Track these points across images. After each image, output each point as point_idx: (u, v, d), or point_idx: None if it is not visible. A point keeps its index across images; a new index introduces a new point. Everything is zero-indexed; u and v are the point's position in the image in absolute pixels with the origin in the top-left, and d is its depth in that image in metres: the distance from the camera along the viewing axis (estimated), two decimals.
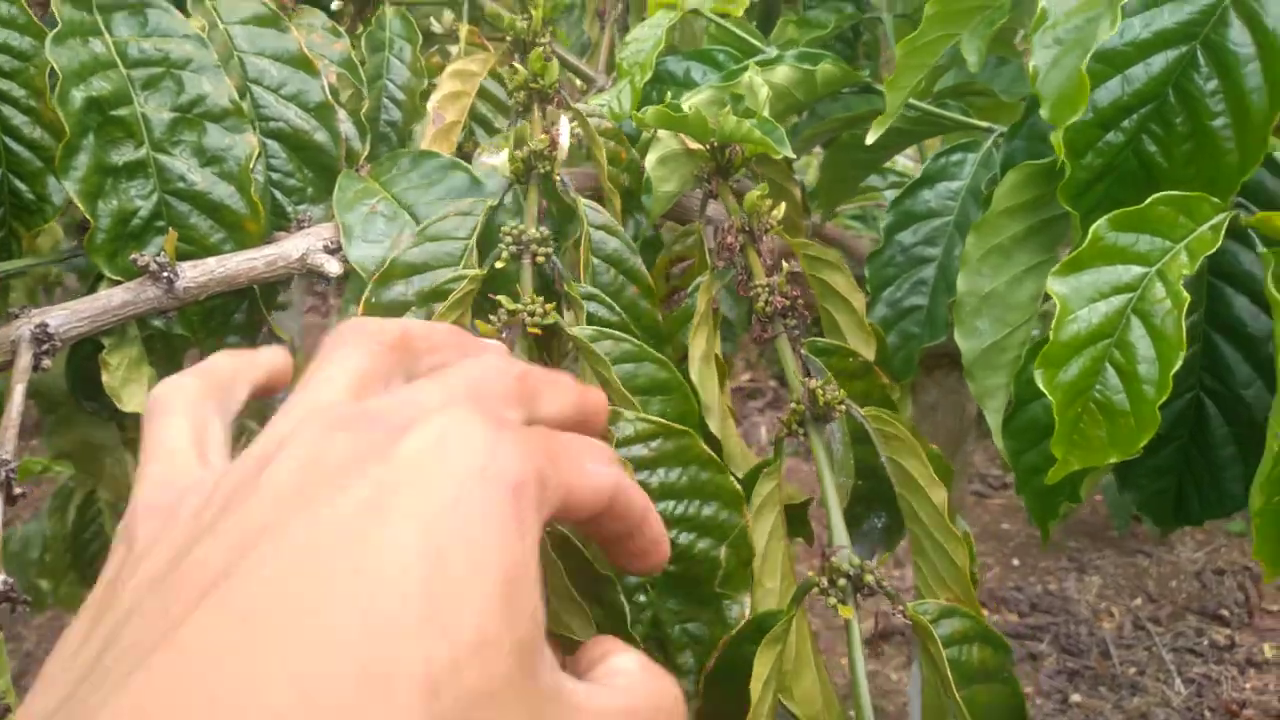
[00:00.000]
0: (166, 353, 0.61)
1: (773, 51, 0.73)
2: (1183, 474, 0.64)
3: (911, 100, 0.74)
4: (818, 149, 1.04)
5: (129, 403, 0.55)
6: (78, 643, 0.22)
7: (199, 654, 0.18)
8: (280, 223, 0.61)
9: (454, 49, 0.80)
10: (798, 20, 0.95)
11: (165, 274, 0.53)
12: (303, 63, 0.61)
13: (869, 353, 0.61)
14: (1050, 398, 0.45)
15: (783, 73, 0.65)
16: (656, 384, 0.50)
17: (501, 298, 0.49)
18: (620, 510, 0.28)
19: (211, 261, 0.55)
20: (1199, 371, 0.62)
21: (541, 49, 0.61)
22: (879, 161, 0.85)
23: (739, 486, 0.47)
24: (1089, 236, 0.47)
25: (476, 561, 0.20)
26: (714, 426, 0.55)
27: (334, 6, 0.75)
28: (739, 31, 0.75)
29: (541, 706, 0.21)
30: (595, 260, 0.57)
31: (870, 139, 0.60)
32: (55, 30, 0.53)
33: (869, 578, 0.46)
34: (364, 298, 0.51)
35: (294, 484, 0.22)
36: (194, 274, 0.54)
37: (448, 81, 0.66)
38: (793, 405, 0.52)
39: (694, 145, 0.64)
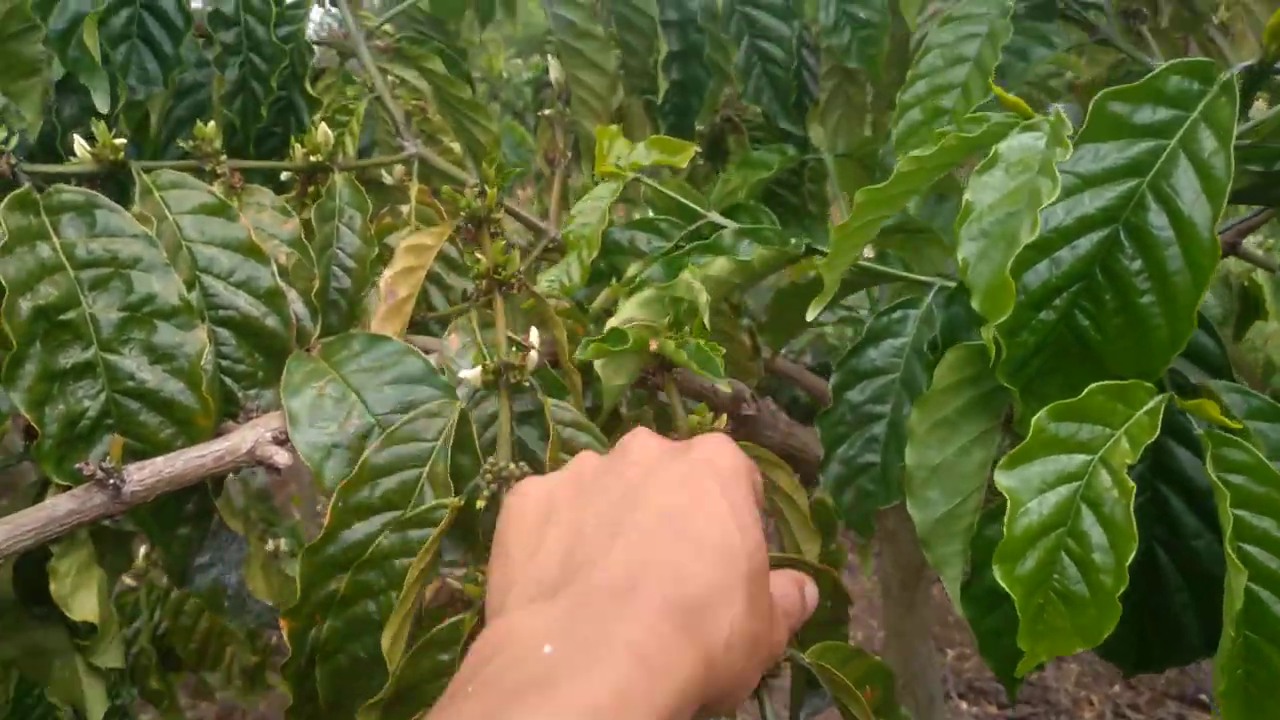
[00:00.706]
0: (117, 546, 0.60)
1: (714, 215, 0.75)
2: (1143, 623, 0.65)
3: (860, 261, 0.77)
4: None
5: (78, 611, 0.54)
6: (527, 573, 0.40)
7: (638, 541, 0.38)
8: (230, 408, 0.61)
9: (405, 208, 0.81)
10: (740, 162, 0.98)
11: (111, 480, 0.52)
12: (251, 250, 0.62)
13: (814, 547, 0.63)
14: (1011, 593, 0.46)
15: (720, 265, 0.67)
16: None
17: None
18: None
19: (159, 462, 0.54)
20: (1150, 522, 0.63)
21: (485, 230, 0.62)
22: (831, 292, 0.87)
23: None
24: (1032, 428, 0.48)
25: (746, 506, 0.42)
26: None
27: (284, 177, 0.77)
28: (679, 197, 0.77)
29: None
30: (564, 456, 0.57)
31: (810, 316, 0.61)
32: (2, 242, 0.53)
33: None
34: (331, 506, 0.51)
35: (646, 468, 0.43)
36: (140, 476, 0.54)
37: (401, 257, 0.67)
38: None
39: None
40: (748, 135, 1.18)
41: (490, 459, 0.52)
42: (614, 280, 0.73)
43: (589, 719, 0.30)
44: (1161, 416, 0.49)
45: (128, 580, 1.05)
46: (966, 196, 0.52)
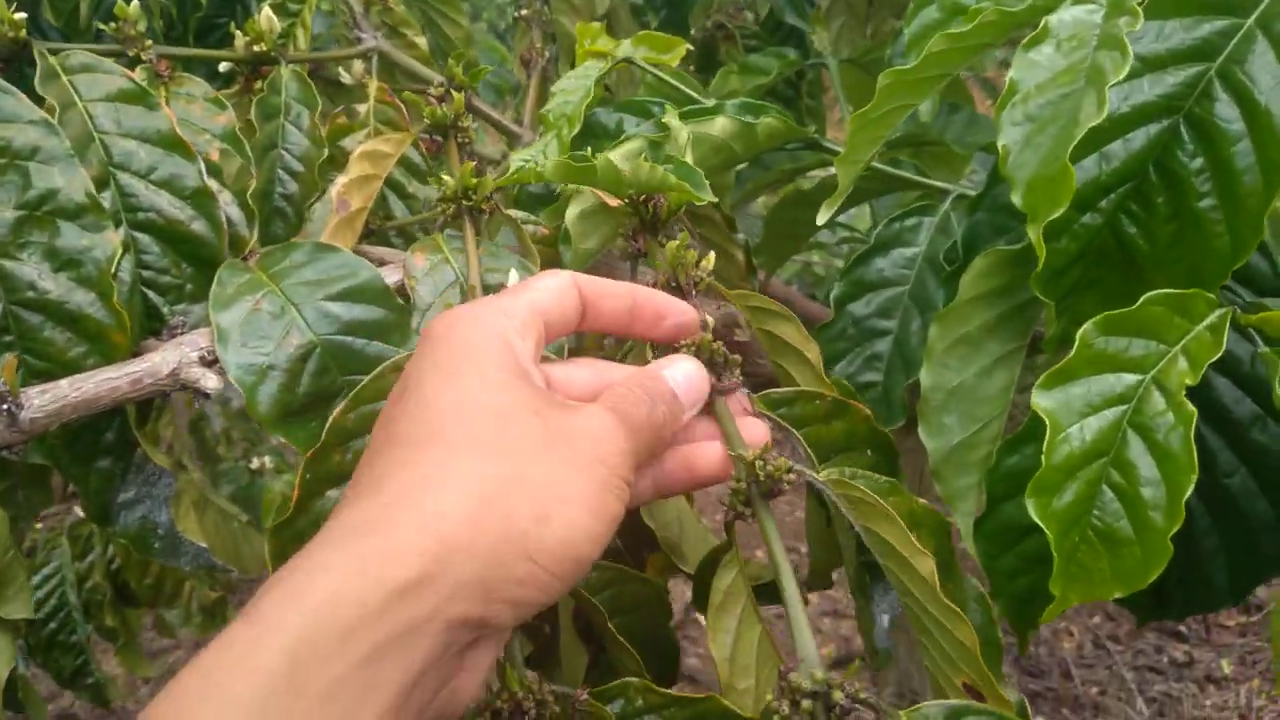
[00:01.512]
0: (30, 481, 0.53)
1: (711, 103, 0.67)
2: (1164, 567, 0.59)
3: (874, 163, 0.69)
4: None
5: None
6: None
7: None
8: (155, 325, 0.54)
9: (362, 108, 0.73)
10: (739, 67, 0.89)
11: (6, 405, 0.45)
12: (175, 144, 0.53)
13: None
14: (1046, 530, 0.40)
15: (721, 124, 0.59)
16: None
17: None
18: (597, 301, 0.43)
19: (64, 384, 0.47)
20: None
21: (461, 149, 0.54)
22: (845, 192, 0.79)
23: None
24: (1077, 343, 0.41)
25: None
26: (646, 518, 0.49)
27: (222, 69, 0.68)
28: (676, 83, 0.69)
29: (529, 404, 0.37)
30: None
31: (821, 219, 0.54)
32: None
33: (838, 695, 0.38)
34: (299, 477, 0.43)
35: None
36: (42, 401, 0.46)
37: (356, 164, 0.59)
38: (732, 484, 0.45)
39: (613, 201, 0.58)
40: (741, 45, 1.09)
41: None
42: None
43: None
44: (1226, 332, 0.43)
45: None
46: (1011, 75, 0.45)
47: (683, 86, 0.68)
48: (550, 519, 0.33)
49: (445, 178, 0.54)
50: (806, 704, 0.38)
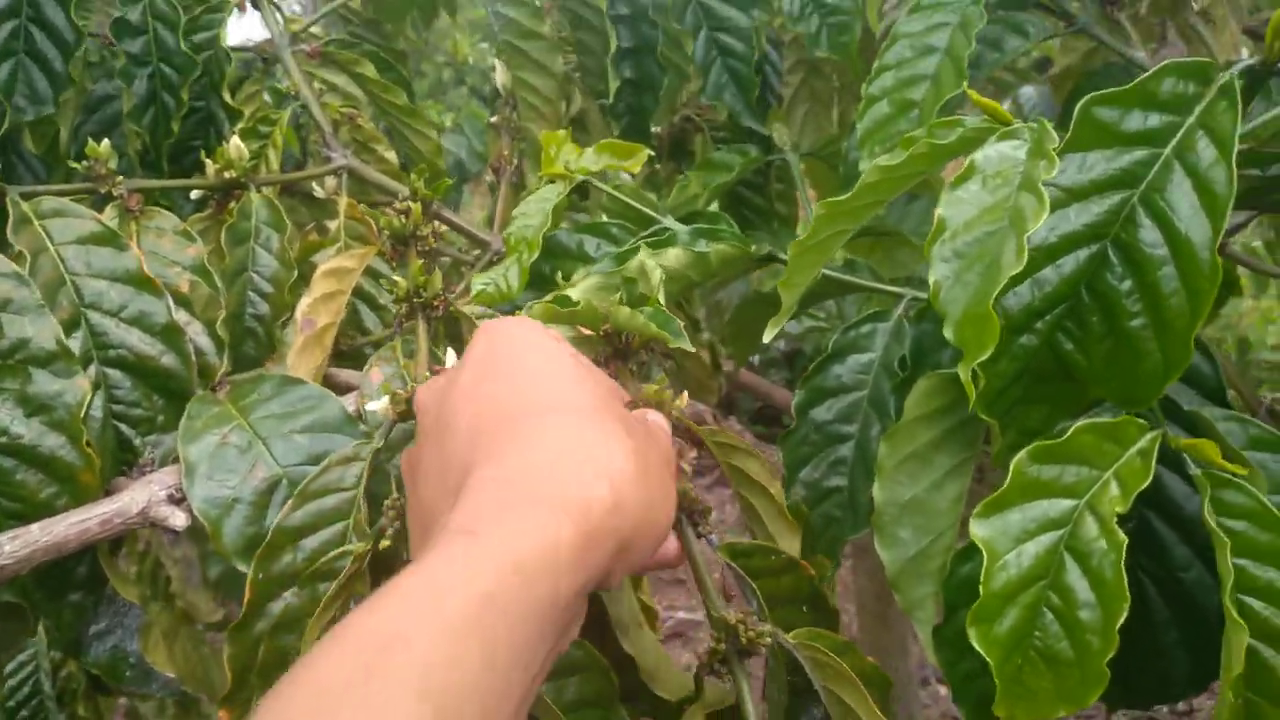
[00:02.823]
0: (6, 615, 0.53)
1: (668, 220, 0.69)
2: (1126, 659, 0.60)
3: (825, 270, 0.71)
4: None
5: None
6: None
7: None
8: (127, 457, 0.55)
9: (333, 224, 0.75)
10: (701, 164, 0.92)
11: None
12: (144, 282, 0.55)
13: (792, 541, 0.57)
14: (988, 657, 0.41)
15: (675, 255, 0.61)
16: (571, 664, 0.44)
17: None
18: None
19: (34, 530, 0.48)
20: (1136, 552, 0.59)
21: (421, 255, 0.56)
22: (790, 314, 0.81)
23: None
24: (1011, 471, 0.43)
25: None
26: (627, 645, 0.50)
27: (194, 195, 0.70)
28: (632, 201, 0.71)
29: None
30: None
31: (767, 337, 0.56)
32: None
33: None
34: (250, 578, 0.45)
35: None
36: (13, 548, 0.47)
37: (320, 282, 0.61)
38: (711, 644, 0.47)
39: (587, 330, 0.60)
40: (710, 136, 1.12)
41: (395, 495, 0.47)
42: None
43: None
44: (1155, 457, 0.44)
45: None
46: (939, 212, 0.47)
47: (639, 205, 0.70)
48: (664, 501, 0.38)
49: (397, 279, 0.56)
50: None
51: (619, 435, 0.37)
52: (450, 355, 0.53)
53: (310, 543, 0.48)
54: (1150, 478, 0.42)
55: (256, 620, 0.46)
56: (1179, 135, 0.47)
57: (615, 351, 0.59)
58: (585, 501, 0.34)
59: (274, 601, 0.47)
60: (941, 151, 0.50)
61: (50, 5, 0.71)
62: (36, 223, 0.55)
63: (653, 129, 1.00)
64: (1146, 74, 0.45)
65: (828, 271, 0.71)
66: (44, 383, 0.50)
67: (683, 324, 0.77)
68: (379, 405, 0.49)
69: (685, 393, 0.56)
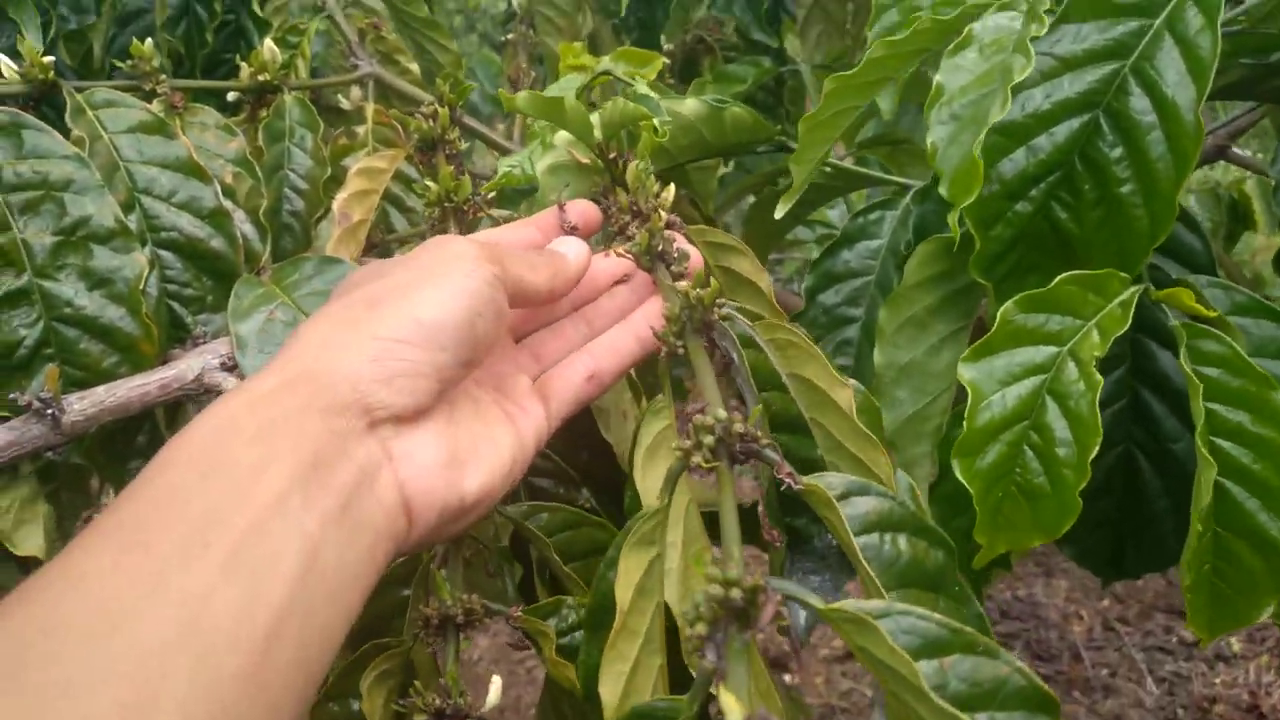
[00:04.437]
0: (70, 482, 0.58)
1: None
2: (1119, 528, 0.64)
3: (833, 161, 0.74)
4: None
5: (22, 545, 0.52)
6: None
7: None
8: (180, 334, 0.59)
9: (361, 129, 0.78)
10: (715, 76, 0.94)
11: (50, 410, 0.50)
12: (193, 169, 0.59)
13: (780, 320, 0.57)
14: (969, 487, 0.44)
15: (691, 105, 0.64)
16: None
17: None
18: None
19: (100, 391, 0.52)
20: (1129, 425, 0.62)
21: (450, 159, 0.59)
22: (803, 215, 0.84)
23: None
24: (998, 319, 0.46)
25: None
26: (607, 434, 0.52)
27: (230, 98, 0.73)
28: (653, 94, 0.74)
29: None
30: None
31: (779, 213, 0.59)
32: None
33: (737, 427, 0.37)
34: None
35: None
36: (81, 406, 0.52)
37: (354, 180, 0.64)
38: (666, 315, 0.45)
39: (584, 159, 0.62)
40: (721, 56, 1.14)
41: None
42: None
43: None
44: (1135, 309, 0.47)
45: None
46: (937, 79, 0.49)
47: (658, 97, 0.73)
48: (414, 302, 0.38)
49: (429, 184, 0.58)
50: (709, 439, 0.38)
51: (357, 295, 0.40)
52: None
53: None
54: (1128, 325, 0.45)
55: None
56: (1170, 6, 0.49)
57: (613, 180, 0.59)
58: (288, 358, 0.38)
59: None
60: (944, 25, 0.52)
61: None
62: (90, 112, 0.58)
63: (666, 47, 1.02)
64: None
65: (839, 164, 0.74)
66: (104, 258, 0.54)
67: (699, 219, 0.80)
68: None
69: (671, 186, 0.54)
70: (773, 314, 0.53)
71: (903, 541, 0.37)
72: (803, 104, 1.12)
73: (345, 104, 0.85)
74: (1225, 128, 0.83)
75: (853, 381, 0.43)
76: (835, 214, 1.17)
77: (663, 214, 0.52)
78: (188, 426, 0.34)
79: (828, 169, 0.73)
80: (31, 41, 0.66)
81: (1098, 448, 0.43)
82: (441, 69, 0.89)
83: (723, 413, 0.38)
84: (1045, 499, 0.44)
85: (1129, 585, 2.58)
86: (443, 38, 0.87)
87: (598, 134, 0.57)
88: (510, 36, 0.93)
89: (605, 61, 0.80)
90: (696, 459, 0.37)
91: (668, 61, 0.92)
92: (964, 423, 0.44)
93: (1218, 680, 2.35)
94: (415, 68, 0.85)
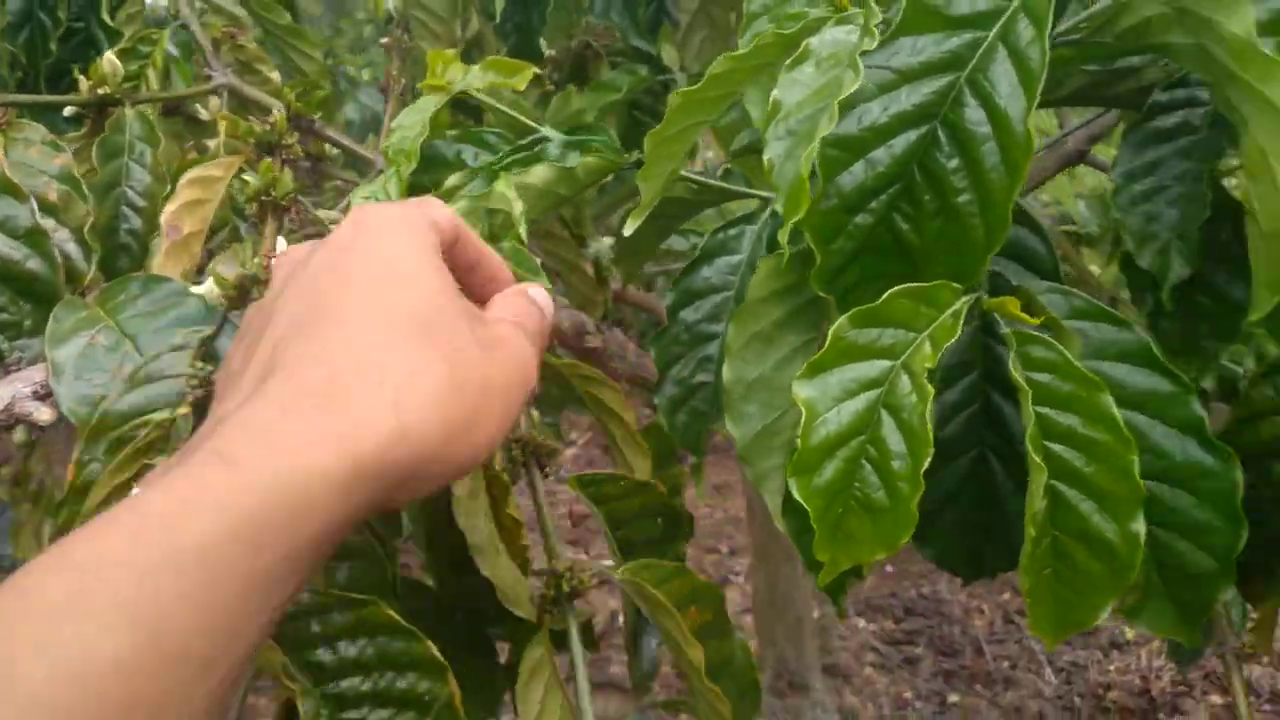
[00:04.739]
0: None
1: (547, 130, 0.71)
2: (975, 529, 0.64)
3: (692, 175, 0.73)
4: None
5: None
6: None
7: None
8: None
9: (212, 142, 0.75)
10: (591, 86, 0.93)
11: None
12: (6, 187, 0.55)
13: (644, 465, 0.61)
14: (807, 506, 0.44)
15: (539, 173, 0.63)
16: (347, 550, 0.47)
17: None
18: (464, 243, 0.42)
19: None
20: (981, 429, 0.62)
21: (277, 157, 0.57)
22: (673, 227, 0.84)
23: (437, 653, 0.42)
24: (830, 336, 0.46)
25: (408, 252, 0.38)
26: (485, 569, 0.52)
27: (67, 113, 0.70)
28: (510, 111, 0.73)
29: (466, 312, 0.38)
30: None
31: (627, 230, 0.58)
32: None
33: None
34: (74, 460, 0.46)
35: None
36: None
37: (185, 190, 0.61)
38: (543, 590, 0.53)
39: None
40: (609, 62, 1.13)
41: (198, 363, 0.48)
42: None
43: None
44: (983, 315, 0.47)
45: None
46: (774, 94, 0.49)
47: (520, 116, 0.72)
48: (487, 419, 0.35)
49: (246, 178, 0.56)
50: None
51: (425, 349, 0.34)
52: (281, 243, 0.54)
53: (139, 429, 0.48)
54: (958, 335, 0.45)
55: (78, 501, 0.46)
56: (1003, 18, 0.50)
57: None
58: (360, 430, 0.31)
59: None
60: (786, 40, 0.52)
61: None
62: None
63: (550, 53, 1.01)
64: None
65: (699, 178, 0.73)
66: None
67: (567, 236, 0.79)
68: (205, 289, 0.50)
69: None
70: (634, 443, 0.62)
71: None
72: None
73: (204, 115, 0.82)
74: (1084, 129, 0.86)
75: None
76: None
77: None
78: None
79: (692, 185, 0.73)
80: None
81: (929, 459, 0.43)
82: (306, 77, 0.86)
83: None
84: (884, 512, 0.44)
85: (940, 565, 2.64)
86: (307, 46, 0.84)
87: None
88: (385, 41, 0.91)
89: (474, 73, 0.78)
90: None
91: (541, 71, 0.90)
92: (799, 441, 0.44)
93: (1112, 667, 2.43)
94: (277, 76, 0.82)
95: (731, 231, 0.68)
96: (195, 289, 0.51)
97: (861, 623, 2.59)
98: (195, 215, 0.60)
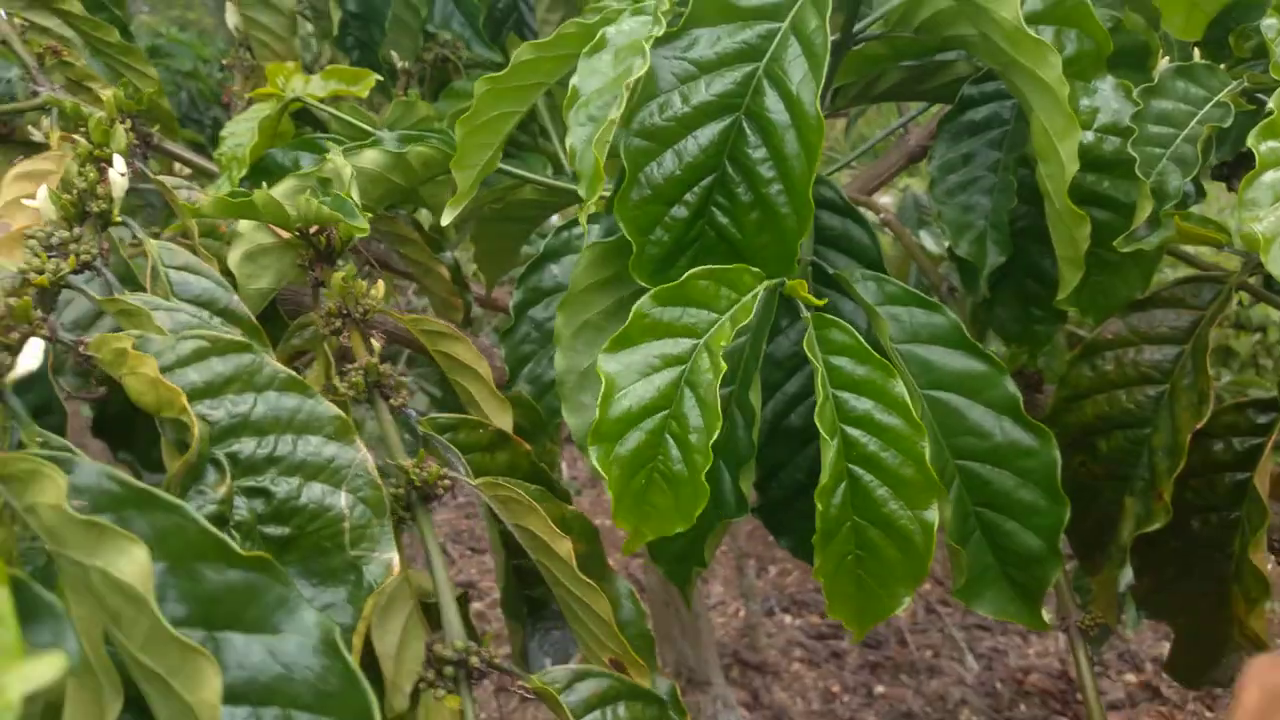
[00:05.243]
0: None
1: (383, 132, 0.71)
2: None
3: (541, 176, 0.74)
4: None
5: None
6: None
7: None
8: None
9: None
10: (446, 93, 0.93)
11: None
12: None
13: (505, 420, 0.58)
14: (605, 474, 0.44)
15: (371, 157, 0.62)
16: None
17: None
18: None
19: None
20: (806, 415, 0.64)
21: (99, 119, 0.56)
22: (529, 230, 0.84)
23: (341, 411, 0.39)
24: (633, 314, 0.46)
25: None
26: None
27: None
28: (347, 117, 0.72)
29: None
30: (183, 304, 0.48)
31: (445, 220, 0.58)
32: None
33: (475, 660, 0.43)
34: None
35: None
36: None
37: (12, 185, 0.60)
38: (392, 490, 0.47)
39: (287, 235, 0.61)
40: (466, 74, 1.13)
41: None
42: None
43: None
44: (761, 300, 0.48)
45: None
46: (573, 82, 0.50)
47: (356, 121, 0.71)
48: None
49: (77, 137, 0.55)
50: (450, 669, 0.43)
51: None
52: (118, 160, 0.53)
53: None
54: (752, 317, 0.46)
55: None
56: (794, 9, 0.51)
57: (318, 254, 0.60)
58: None
59: None
60: (587, 30, 0.53)
61: None
62: None
63: (403, 65, 1.01)
64: None
65: (545, 180, 0.74)
66: None
67: (418, 238, 0.78)
68: (39, 202, 0.49)
69: (380, 282, 0.57)
70: (493, 398, 0.58)
71: (621, 709, 0.44)
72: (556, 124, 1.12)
73: (38, 135, 0.79)
74: (925, 127, 0.88)
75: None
76: None
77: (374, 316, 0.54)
78: None
79: (539, 185, 0.73)
80: None
81: (718, 432, 0.43)
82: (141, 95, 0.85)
83: (462, 642, 0.44)
84: (683, 484, 0.44)
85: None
86: (139, 63, 0.83)
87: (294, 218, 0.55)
88: (226, 61, 0.90)
89: (315, 82, 0.78)
90: (440, 693, 0.43)
91: (391, 83, 0.90)
92: (598, 410, 0.44)
93: (1031, 651, 2.49)
94: (109, 94, 0.81)
95: (576, 230, 0.68)
96: (29, 201, 0.50)
97: (788, 619, 2.61)
98: (26, 211, 0.59)
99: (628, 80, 0.46)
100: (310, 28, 0.98)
